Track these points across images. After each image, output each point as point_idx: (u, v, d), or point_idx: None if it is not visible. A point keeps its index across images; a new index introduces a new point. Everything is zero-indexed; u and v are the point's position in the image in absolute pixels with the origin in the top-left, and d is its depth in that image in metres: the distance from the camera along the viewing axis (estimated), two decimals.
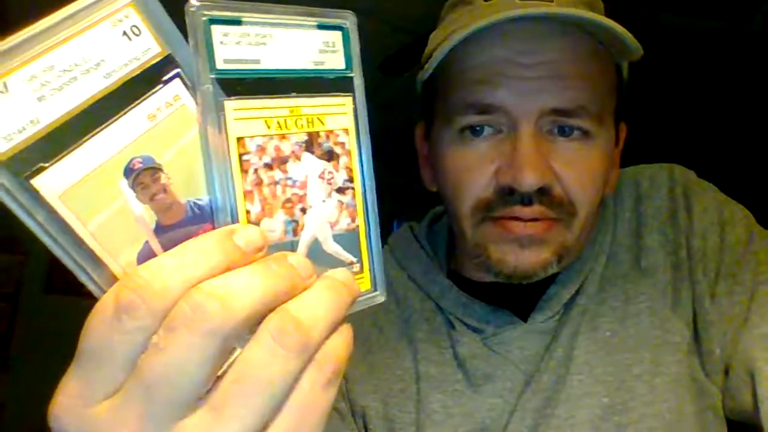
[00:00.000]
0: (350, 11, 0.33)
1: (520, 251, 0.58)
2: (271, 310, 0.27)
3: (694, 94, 1.11)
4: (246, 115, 0.29)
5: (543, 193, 0.56)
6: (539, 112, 0.56)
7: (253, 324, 0.26)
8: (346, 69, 0.32)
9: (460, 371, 0.63)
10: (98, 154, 0.26)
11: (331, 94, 0.32)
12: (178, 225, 0.28)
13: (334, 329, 0.28)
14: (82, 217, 0.26)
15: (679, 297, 0.63)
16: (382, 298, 0.34)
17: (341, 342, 0.28)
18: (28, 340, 2.66)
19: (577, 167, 0.57)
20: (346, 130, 0.32)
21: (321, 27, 0.31)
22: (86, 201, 0.26)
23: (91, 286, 0.27)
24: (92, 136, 0.26)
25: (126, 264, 0.27)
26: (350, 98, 0.33)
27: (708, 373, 0.61)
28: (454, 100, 0.59)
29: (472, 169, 0.58)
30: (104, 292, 0.26)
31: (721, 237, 0.64)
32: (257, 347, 0.26)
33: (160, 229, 0.28)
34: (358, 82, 0.33)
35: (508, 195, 0.57)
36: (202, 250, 0.26)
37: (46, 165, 0.25)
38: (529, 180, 0.55)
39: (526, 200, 0.56)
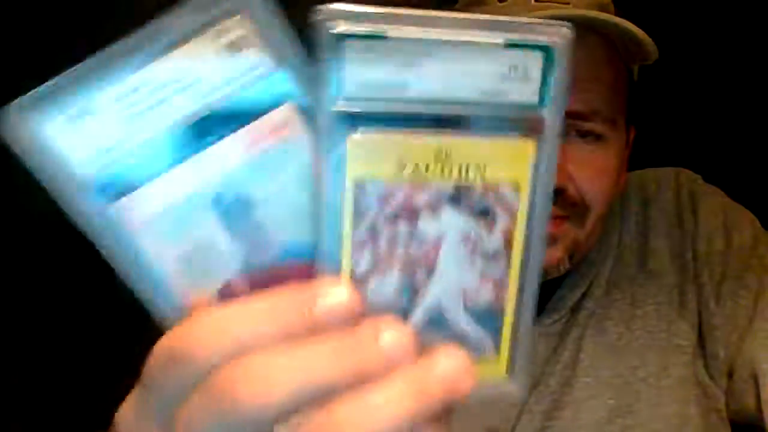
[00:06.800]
0: (568, 23, 0.23)
1: None
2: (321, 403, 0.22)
3: (703, 97, 1.11)
4: (373, 153, 0.23)
5: (557, 194, 0.56)
6: None
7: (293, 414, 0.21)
8: (538, 104, 0.24)
9: None
10: (186, 183, 0.24)
11: (503, 135, 0.24)
12: (269, 266, 0.25)
13: None
14: (162, 247, 0.24)
15: (685, 300, 0.64)
16: (516, 391, 0.26)
17: None
18: None
19: (591, 169, 0.58)
20: (516, 186, 0.24)
21: (511, 45, 0.23)
22: (169, 231, 0.24)
23: (161, 317, 0.24)
24: (182, 163, 0.23)
25: (206, 298, 0.25)
26: (533, 144, 0.24)
27: (712, 375, 0.62)
28: None
29: None
30: (175, 323, 0.24)
31: (727, 241, 0.64)
32: None
33: (247, 268, 0.25)
34: (552, 124, 0.24)
35: None
36: (271, 310, 0.22)
37: (130, 191, 0.23)
38: None
39: None
